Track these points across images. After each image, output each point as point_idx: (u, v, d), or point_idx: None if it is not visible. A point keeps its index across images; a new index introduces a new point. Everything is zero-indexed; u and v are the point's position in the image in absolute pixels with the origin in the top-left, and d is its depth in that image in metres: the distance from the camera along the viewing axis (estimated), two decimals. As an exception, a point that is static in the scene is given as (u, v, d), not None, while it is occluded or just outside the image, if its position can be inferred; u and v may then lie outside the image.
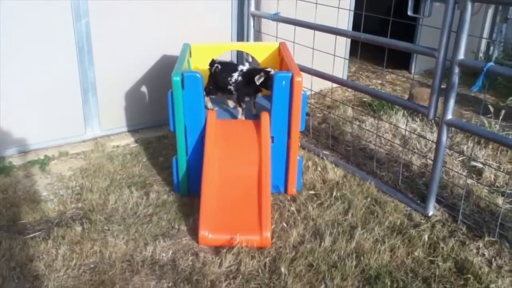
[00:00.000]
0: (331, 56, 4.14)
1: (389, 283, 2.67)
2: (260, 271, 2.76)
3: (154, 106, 4.69)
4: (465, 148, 4.35)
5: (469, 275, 2.74)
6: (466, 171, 3.94)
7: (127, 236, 3.02)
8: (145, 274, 2.73)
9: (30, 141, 4.14)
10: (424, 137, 4.41)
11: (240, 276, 2.71)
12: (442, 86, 3.16)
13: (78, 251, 2.88)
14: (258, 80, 3.49)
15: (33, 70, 4.00)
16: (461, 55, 2.98)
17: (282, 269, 2.73)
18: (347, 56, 6.04)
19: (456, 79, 3.04)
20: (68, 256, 2.85)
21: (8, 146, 4.05)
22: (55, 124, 4.22)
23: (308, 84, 4.19)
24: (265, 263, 2.82)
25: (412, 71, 6.82)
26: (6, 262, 2.78)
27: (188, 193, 3.52)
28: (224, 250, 2.89)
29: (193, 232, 3.06)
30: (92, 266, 2.79)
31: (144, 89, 4.63)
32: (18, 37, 3.86)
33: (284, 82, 3.30)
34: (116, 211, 3.30)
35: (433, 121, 4.69)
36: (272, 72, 3.47)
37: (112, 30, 4.30)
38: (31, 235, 3.04)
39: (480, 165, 3.99)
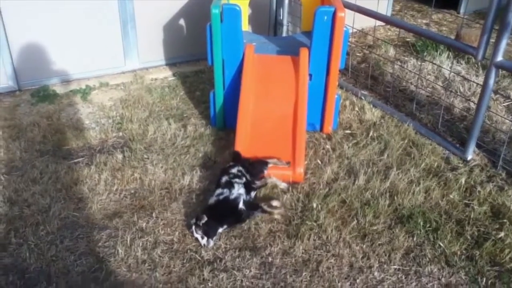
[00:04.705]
0: (376, -9, 3.94)
1: (421, 223, 2.69)
2: (293, 204, 2.82)
3: (192, 40, 4.66)
4: (511, 93, 4.17)
5: (505, 220, 2.72)
6: (511, 116, 3.79)
7: (166, 165, 3.12)
8: (182, 202, 2.84)
9: (72, 71, 4.24)
10: (469, 80, 4.23)
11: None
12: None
13: (120, 177, 3.01)
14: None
15: (75, 2, 4.01)
16: (519, -9, 2.78)
17: (314, 204, 2.78)
18: (393, -7, 5.74)
19: (511, 18, 2.84)
20: (110, 181, 2.98)
21: (51, 75, 4.16)
22: (96, 55, 4.29)
23: (350, 21, 4.03)
24: (299, 197, 2.87)
25: (461, 10, 6.44)
26: (52, 184, 2.95)
27: (224, 127, 3.57)
28: (258, 183, 2.94)
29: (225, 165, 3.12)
30: (132, 191, 2.92)
31: (182, 22, 4.58)
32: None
33: (326, 17, 3.18)
34: (155, 141, 3.40)
35: (479, 63, 4.50)
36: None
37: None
38: (75, 160, 3.18)
39: (527, 111, 3.84)
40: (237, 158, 2.98)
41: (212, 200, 2.68)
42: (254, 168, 2.92)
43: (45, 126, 3.55)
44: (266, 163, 2.95)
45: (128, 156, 3.19)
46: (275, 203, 2.78)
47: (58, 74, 4.18)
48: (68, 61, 4.18)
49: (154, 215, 2.72)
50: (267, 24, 5.11)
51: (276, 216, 2.71)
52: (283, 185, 2.94)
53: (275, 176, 2.96)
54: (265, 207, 2.73)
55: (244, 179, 2.79)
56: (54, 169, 3.07)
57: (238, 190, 2.70)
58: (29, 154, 3.22)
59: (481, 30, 3.02)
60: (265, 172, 2.93)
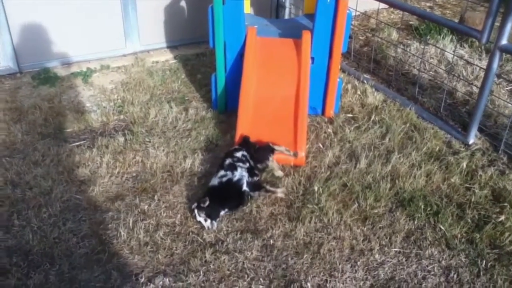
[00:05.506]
0: (380, -27, 3.88)
1: (422, 206, 2.70)
2: (295, 188, 2.83)
3: (193, 23, 4.62)
4: (514, 78, 4.15)
5: (505, 203, 2.73)
6: (513, 101, 3.79)
7: (167, 149, 3.12)
8: (184, 185, 2.84)
9: (73, 53, 4.21)
10: (472, 64, 4.20)
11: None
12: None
13: (121, 160, 3.01)
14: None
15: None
16: (525, -27, 2.74)
17: (316, 188, 2.78)
18: (396, -25, 5.65)
19: (517, 0, 2.81)
20: (112, 164, 2.99)
21: (52, 58, 4.13)
22: (97, 37, 4.25)
23: (353, 4, 3.98)
24: (300, 181, 2.88)
25: (465, -7, 6.35)
26: (54, 167, 2.95)
27: (226, 110, 3.56)
28: (260, 167, 2.95)
29: (230, 148, 3.12)
30: (134, 174, 2.93)
31: (183, 4, 4.53)
32: None
33: (329, 0, 3.15)
34: (156, 124, 3.39)
35: (483, 47, 4.46)
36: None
37: None
38: (76, 143, 3.18)
39: (529, 96, 3.82)
40: (245, 143, 2.97)
41: (215, 181, 2.69)
42: (260, 154, 2.92)
43: (46, 108, 3.54)
44: (272, 150, 2.94)
45: (129, 139, 3.19)
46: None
47: (59, 56, 4.16)
48: (68, 43, 4.15)
49: (156, 198, 2.73)
50: (269, 6, 5.06)
51: (279, 195, 2.73)
52: (279, 173, 2.93)
53: (277, 159, 2.96)
54: (268, 187, 2.75)
55: (247, 164, 2.79)
56: (55, 152, 3.07)
57: (241, 173, 2.71)
58: (31, 137, 3.22)
59: (486, 13, 2.99)
60: (270, 159, 2.92)
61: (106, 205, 2.68)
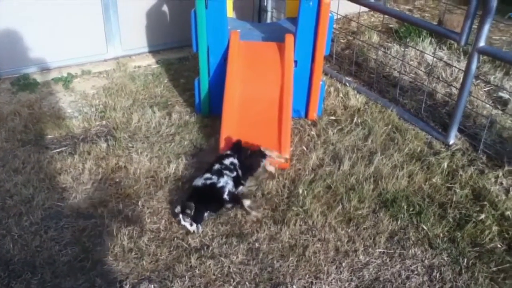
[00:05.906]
0: (360, -23, 3.93)
1: (405, 207, 2.73)
2: (279, 191, 2.84)
3: (176, 26, 4.60)
4: (492, 78, 4.23)
5: (485, 202, 2.78)
6: (491, 101, 3.86)
7: (151, 154, 3.10)
8: (168, 190, 2.83)
9: (53, 58, 4.16)
10: (451, 65, 4.28)
11: (260, 195, 2.81)
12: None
13: (104, 166, 2.98)
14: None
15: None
16: (501, -23, 2.80)
17: (300, 190, 2.80)
18: (376, -21, 5.72)
19: (494, 3, 2.87)
20: (94, 170, 2.95)
21: (32, 63, 4.08)
22: (77, 42, 4.20)
23: (334, 7, 4.02)
24: (284, 183, 2.89)
25: (444, -4, 6.46)
26: (35, 174, 2.91)
27: (210, 114, 3.55)
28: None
29: (215, 152, 3.11)
30: (117, 180, 2.90)
31: (165, 8, 4.51)
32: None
33: (311, 3, 3.18)
34: (139, 129, 3.37)
35: (461, 49, 4.55)
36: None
37: None
38: (58, 150, 3.14)
39: (507, 96, 3.90)
40: (236, 148, 2.94)
41: (199, 182, 2.68)
42: (251, 160, 2.90)
43: (26, 115, 3.49)
44: (264, 156, 2.92)
45: (112, 145, 3.16)
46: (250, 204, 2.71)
47: (39, 62, 4.10)
48: (48, 48, 4.09)
49: (140, 203, 2.71)
50: (251, 10, 5.07)
51: (252, 217, 2.65)
52: (271, 168, 2.94)
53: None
54: (245, 205, 2.67)
55: (234, 173, 2.78)
56: (36, 159, 3.03)
57: (227, 181, 2.70)
58: (10, 144, 3.17)
59: (465, 15, 3.05)
60: (262, 165, 2.91)
61: (89, 212, 2.65)
